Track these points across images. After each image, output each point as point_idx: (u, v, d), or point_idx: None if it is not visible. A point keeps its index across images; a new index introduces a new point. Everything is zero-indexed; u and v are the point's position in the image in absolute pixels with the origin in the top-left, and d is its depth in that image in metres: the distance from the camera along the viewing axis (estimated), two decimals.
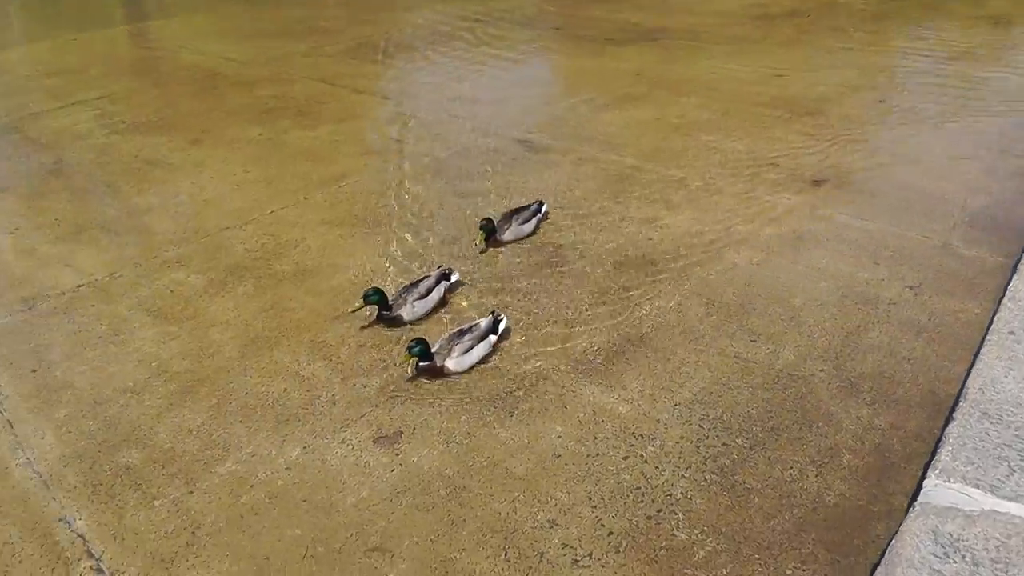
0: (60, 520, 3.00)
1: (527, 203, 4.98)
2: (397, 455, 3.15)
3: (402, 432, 3.28)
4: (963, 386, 3.24)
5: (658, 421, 3.28)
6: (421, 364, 3.59)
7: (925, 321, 3.86)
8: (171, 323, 4.21)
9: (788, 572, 2.60)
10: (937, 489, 2.68)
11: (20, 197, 6.03)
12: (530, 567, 2.64)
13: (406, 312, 4.04)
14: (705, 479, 2.98)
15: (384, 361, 3.75)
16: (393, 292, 4.14)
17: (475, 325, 3.78)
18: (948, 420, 3.08)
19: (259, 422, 3.41)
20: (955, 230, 4.65)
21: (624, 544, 2.71)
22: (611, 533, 2.76)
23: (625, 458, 3.09)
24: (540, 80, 8.29)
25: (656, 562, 2.65)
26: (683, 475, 3.00)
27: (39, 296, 4.58)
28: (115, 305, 4.43)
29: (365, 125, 7.03)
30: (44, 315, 4.38)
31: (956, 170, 5.45)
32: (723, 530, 2.76)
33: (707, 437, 3.19)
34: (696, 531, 2.76)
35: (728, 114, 6.65)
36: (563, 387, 3.51)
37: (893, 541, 2.48)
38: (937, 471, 2.74)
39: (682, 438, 3.19)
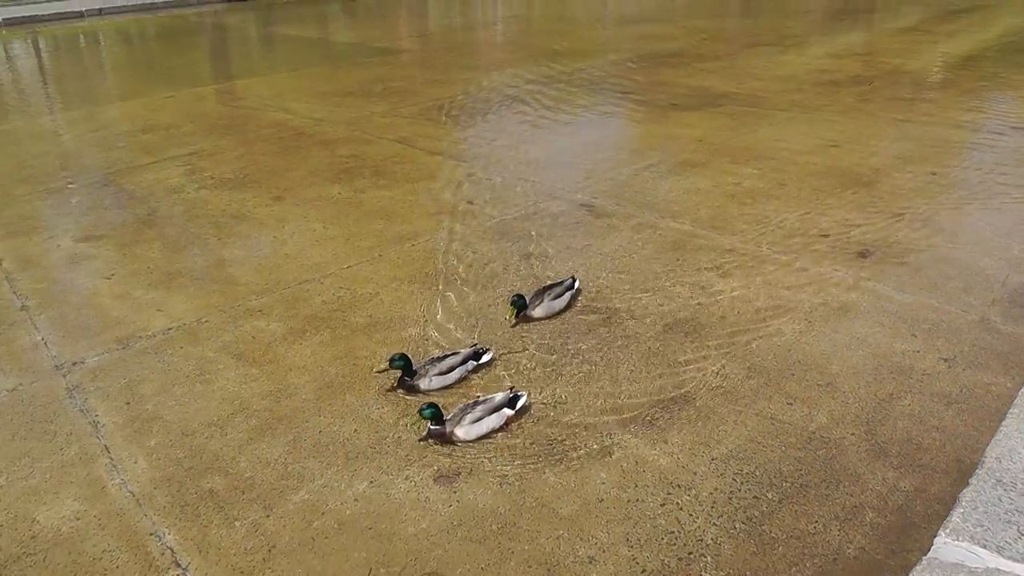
0: (151, 534, 3.47)
1: (560, 279, 5.27)
2: (454, 493, 3.56)
3: (460, 473, 3.68)
4: (983, 455, 3.51)
5: (695, 473, 3.62)
6: (432, 428, 3.87)
7: (957, 393, 4.13)
8: (252, 366, 4.71)
9: None
10: (946, 547, 2.96)
11: (116, 245, 6.68)
12: None
13: (423, 383, 4.33)
14: (735, 527, 3.31)
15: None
16: (421, 360, 4.48)
17: (490, 398, 4.02)
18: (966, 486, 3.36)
19: (331, 458, 3.85)
20: (994, 306, 4.91)
21: None
22: (644, 571, 3.10)
23: (662, 505, 3.44)
24: (606, 145, 8.73)
25: None
26: (714, 523, 3.34)
27: (133, 337, 5.14)
28: (202, 348, 4.96)
29: (438, 186, 7.55)
30: (137, 354, 4.94)
31: (1000, 246, 5.70)
32: (747, 574, 3.09)
33: (739, 490, 3.51)
34: (722, 574, 3.09)
35: (783, 184, 7.01)
36: (609, 439, 3.88)
37: None
38: (948, 530, 3.02)
39: (716, 489, 3.52)
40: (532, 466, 3.72)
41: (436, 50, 16.60)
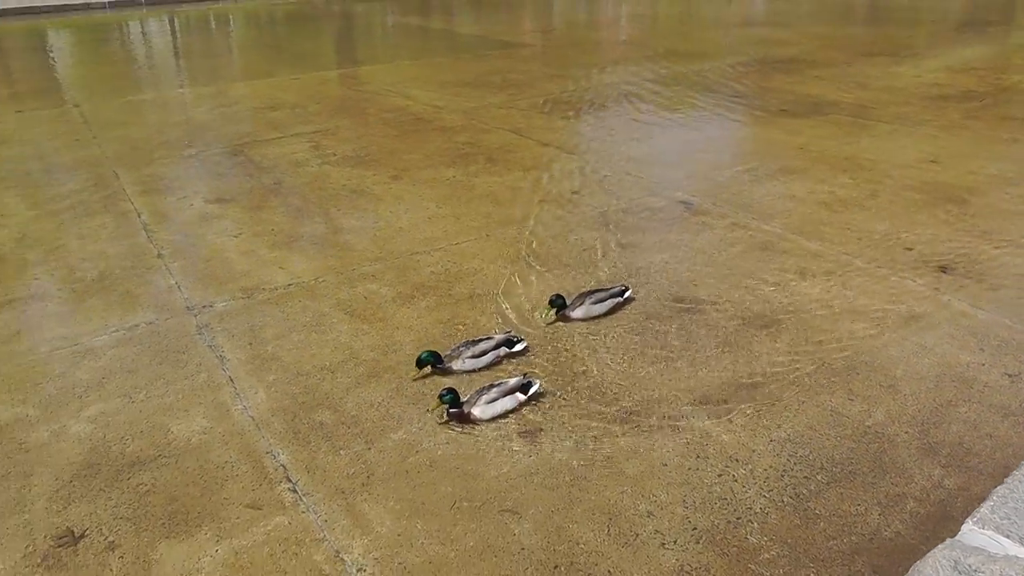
0: (267, 453, 4.03)
1: (611, 286, 5.41)
2: (535, 446, 3.99)
3: (542, 430, 4.11)
4: None
5: (753, 451, 3.94)
6: (451, 411, 4.15)
7: (1016, 406, 4.30)
8: (363, 322, 5.25)
9: None
10: (971, 533, 3.22)
11: (244, 208, 7.38)
12: (625, 542, 3.39)
13: (456, 364, 4.62)
14: (783, 501, 3.63)
15: (535, 373, 4.60)
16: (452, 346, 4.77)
17: (504, 382, 4.30)
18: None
19: (417, 407, 4.35)
20: None
21: (703, 538, 3.42)
22: (695, 528, 3.46)
23: (719, 475, 3.79)
24: (711, 146, 8.97)
25: (726, 556, 3.33)
26: (765, 495, 3.66)
27: (256, 288, 5.78)
28: (318, 303, 5.54)
29: (547, 175, 7.97)
30: (260, 303, 5.56)
31: None
32: (788, 541, 3.41)
33: (792, 469, 3.82)
34: (765, 539, 3.42)
35: (876, 195, 7.14)
36: (679, 412, 4.23)
37: (917, 563, 3.06)
38: (975, 519, 3.27)
39: (771, 467, 3.84)
40: (607, 430, 4.11)
41: (556, 45, 16.99)
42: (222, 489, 3.81)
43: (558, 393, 4.42)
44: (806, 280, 5.63)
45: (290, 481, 3.84)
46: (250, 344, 5.06)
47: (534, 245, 6.31)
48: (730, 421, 4.17)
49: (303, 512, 3.64)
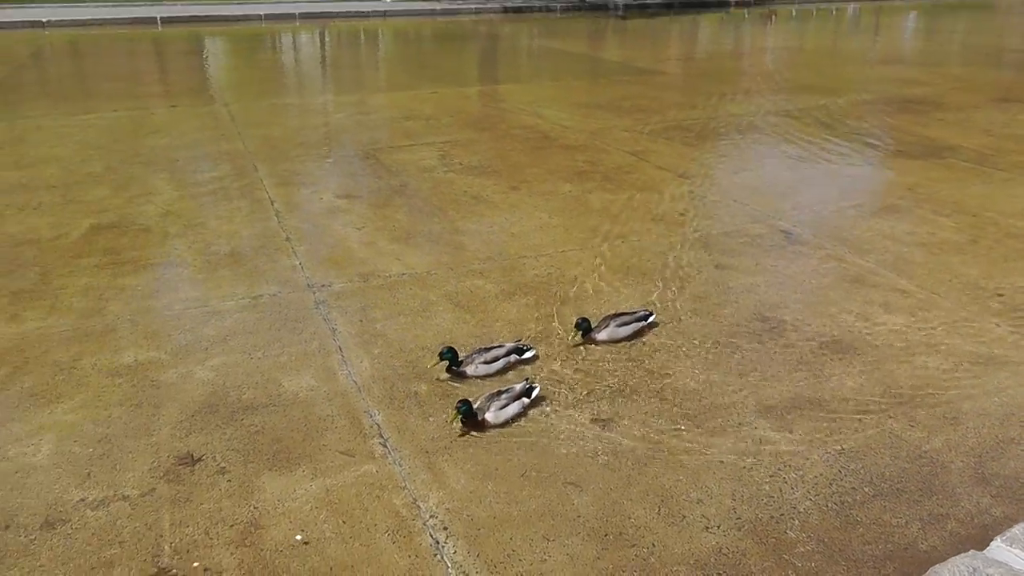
0: (365, 412, 4.52)
1: (634, 309, 5.50)
2: (605, 432, 4.34)
3: (613, 420, 4.45)
4: None
5: (807, 459, 4.16)
6: (465, 421, 4.28)
7: None
8: (466, 312, 5.72)
9: None
10: (998, 549, 3.36)
11: (369, 205, 8.03)
12: (673, 522, 3.69)
13: (470, 369, 4.81)
14: (827, 506, 3.83)
15: (615, 371, 4.94)
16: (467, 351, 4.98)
17: (511, 388, 4.48)
18: None
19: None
20: None
21: (745, 527, 3.68)
22: (739, 518, 3.73)
23: (771, 476, 4.02)
24: (822, 180, 9.02)
25: (764, 545, 3.58)
26: (810, 498, 3.88)
27: (372, 275, 6.36)
28: (427, 292, 6.06)
29: (657, 196, 8.26)
30: (374, 288, 6.14)
31: None
32: (825, 540, 3.62)
33: (841, 479, 4.01)
34: (803, 535, 3.64)
35: (976, 241, 7.09)
36: (744, 418, 4.48)
37: (936, 566, 3.24)
38: (1004, 537, 3.41)
39: (821, 475, 4.04)
40: (674, 426, 4.41)
41: (691, 74, 17.17)
42: (321, 437, 4.34)
43: (637, 391, 4.75)
44: (889, 314, 5.73)
45: (382, 437, 4.33)
46: (360, 321, 5.61)
47: (634, 259, 6.63)
48: (790, 431, 4.39)
49: (390, 464, 4.11)
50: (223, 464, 4.11)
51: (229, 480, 4.01)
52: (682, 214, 7.73)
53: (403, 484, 3.97)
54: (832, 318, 5.65)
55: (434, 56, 21.00)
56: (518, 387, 4.52)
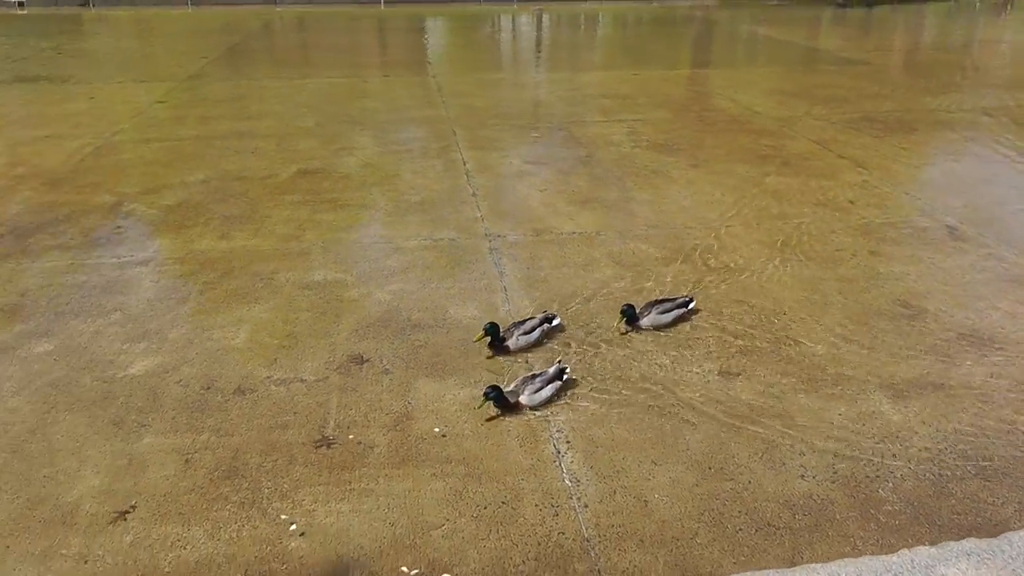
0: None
1: (674, 296, 5.44)
2: (729, 383, 4.60)
3: (740, 375, 4.70)
4: None
5: (915, 433, 4.23)
6: (497, 404, 4.24)
7: None
8: (625, 270, 6.11)
9: (943, 542, 3.54)
10: None
11: (554, 171, 8.51)
12: (772, 467, 3.93)
13: (511, 342, 4.83)
14: (924, 476, 3.92)
15: (750, 334, 5.15)
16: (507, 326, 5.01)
17: (544, 372, 4.45)
18: None
19: (657, 339, 5.10)
20: None
21: (839, 481, 3.85)
22: (835, 472, 3.90)
23: (877, 442, 4.15)
24: (1004, 181, 8.41)
25: (853, 498, 3.74)
26: (910, 467, 3.97)
27: (545, 230, 6.85)
28: (592, 250, 6.47)
29: (831, 184, 8.15)
30: (544, 242, 6.62)
31: None
32: (914, 504, 3.73)
33: (945, 456, 4.06)
34: (894, 496, 3.76)
35: None
36: (862, 390, 4.57)
37: (1009, 532, 3.32)
38: None
39: (926, 448, 4.11)
40: (793, 387, 4.60)
41: (897, 66, 16.26)
42: (474, 357, 4.91)
43: (766, 353, 4.95)
44: None
45: (527, 362, 4.83)
46: (527, 268, 6.14)
47: (791, 238, 6.70)
48: (905, 407, 4.45)
49: None
50: (387, 367, 4.77)
51: (390, 379, 4.67)
52: (851, 201, 7.63)
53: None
54: (978, 312, 5.52)
55: (643, 40, 21.06)
56: (551, 370, 4.48)
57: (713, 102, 12.10)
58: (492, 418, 4.31)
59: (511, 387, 4.40)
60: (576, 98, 12.41)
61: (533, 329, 4.92)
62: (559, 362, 4.71)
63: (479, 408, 4.28)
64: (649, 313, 5.15)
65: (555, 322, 5.12)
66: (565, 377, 4.50)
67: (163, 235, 6.85)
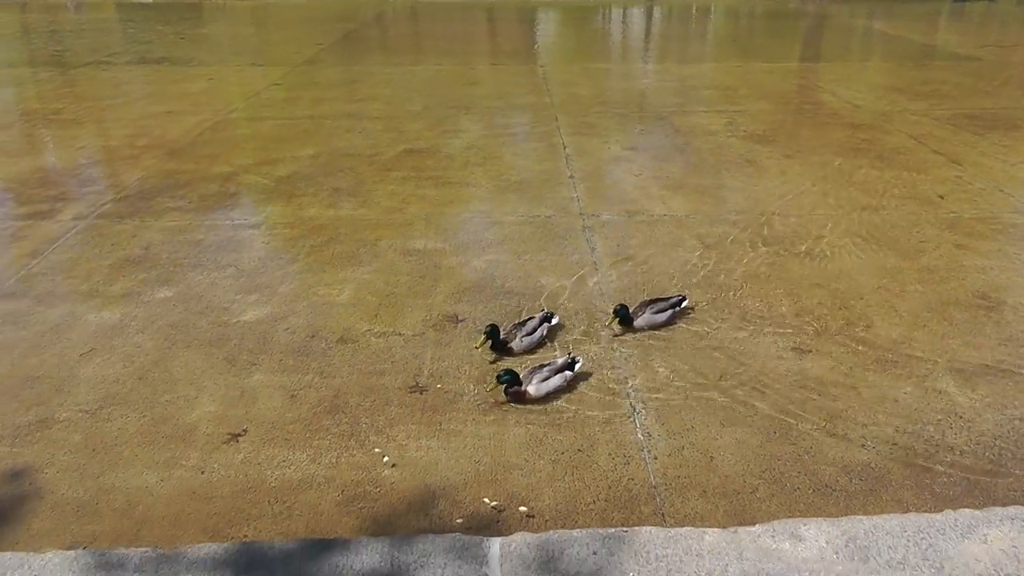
0: (601, 311, 5.11)
1: (670, 295, 5.23)
2: (800, 359, 4.72)
3: (811, 352, 4.81)
4: None
5: (980, 415, 4.25)
6: (509, 390, 4.19)
7: None
8: (711, 251, 6.19)
9: (993, 510, 3.61)
10: None
11: (650, 158, 8.64)
12: (834, 435, 4.05)
13: (515, 344, 4.67)
14: (984, 454, 3.95)
15: (824, 316, 5.23)
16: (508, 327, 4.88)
17: (553, 362, 4.38)
18: None
19: (725, 312, 5.24)
20: None
21: (898, 453, 3.93)
22: (895, 444, 4.00)
23: (939, 420, 4.20)
24: None
25: (910, 468, 3.82)
26: (969, 444, 4.00)
27: (637, 212, 7.02)
28: (681, 232, 6.60)
29: (922, 178, 7.93)
30: (636, 223, 6.79)
31: None
32: (970, 478, 3.79)
33: (1007, 437, 4.04)
34: (951, 471, 3.82)
35: None
36: (931, 372, 4.60)
37: None
38: None
39: (988, 430, 4.12)
40: (862, 364, 4.68)
41: (1007, 63, 15.41)
42: (565, 322, 5.15)
43: (840, 333, 5.03)
44: None
45: (612, 330, 5.05)
46: (617, 246, 6.35)
47: (876, 229, 6.65)
48: (972, 390, 4.47)
49: (612, 350, 4.86)
50: (479, 327, 5.08)
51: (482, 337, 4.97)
52: (941, 196, 7.47)
53: (618, 364, 4.70)
54: None
55: (754, 33, 20.64)
56: (559, 361, 4.39)
57: (815, 95, 11.89)
58: (504, 401, 4.29)
59: (520, 376, 4.28)
60: (679, 89, 12.41)
61: (535, 329, 4.79)
62: (570, 354, 4.59)
63: (490, 391, 4.28)
64: (643, 313, 4.96)
65: (554, 321, 4.96)
66: (576, 368, 4.40)
67: (274, 202, 7.39)
